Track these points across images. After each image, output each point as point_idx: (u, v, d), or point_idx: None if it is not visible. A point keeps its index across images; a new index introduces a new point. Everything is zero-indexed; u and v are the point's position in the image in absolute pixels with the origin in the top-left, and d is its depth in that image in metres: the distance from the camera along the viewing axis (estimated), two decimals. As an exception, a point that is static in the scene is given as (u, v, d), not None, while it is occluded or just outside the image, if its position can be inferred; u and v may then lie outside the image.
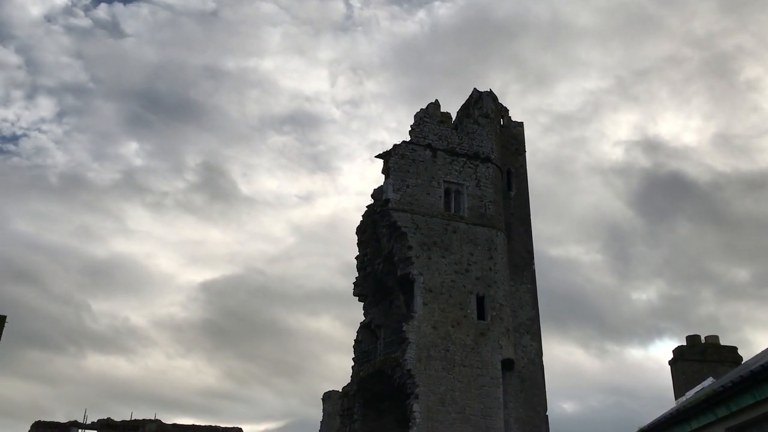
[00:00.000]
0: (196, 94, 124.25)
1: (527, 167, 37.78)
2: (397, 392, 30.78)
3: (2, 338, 22.14)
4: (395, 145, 33.99)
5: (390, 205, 32.64)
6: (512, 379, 32.01)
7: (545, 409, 32.52)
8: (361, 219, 36.63)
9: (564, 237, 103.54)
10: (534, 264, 35.47)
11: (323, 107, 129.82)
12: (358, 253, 36.42)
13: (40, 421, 37.79)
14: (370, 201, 35.92)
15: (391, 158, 33.68)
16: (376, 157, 34.53)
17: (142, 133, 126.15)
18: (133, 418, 38.57)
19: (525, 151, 38.20)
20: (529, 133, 79.69)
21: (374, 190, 36.35)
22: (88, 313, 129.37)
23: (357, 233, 36.78)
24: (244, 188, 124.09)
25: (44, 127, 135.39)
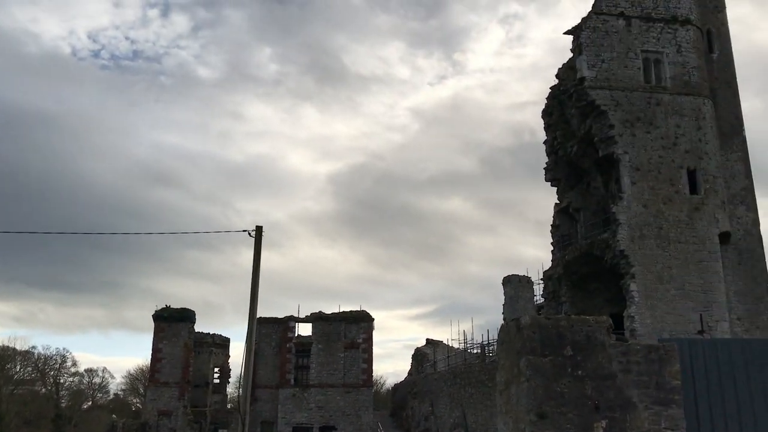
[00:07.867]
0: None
1: (729, 25, 34.31)
2: (607, 273, 30.56)
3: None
4: (584, 18, 31.86)
5: (586, 83, 31.05)
6: (729, 252, 30.71)
7: (766, 280, 31.18)
8: (545, 102, 35.34)
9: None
10: (744, 130, 32.93)
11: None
12: (546, 138, 35.47)
13: (260, 317, 41.50)
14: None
15: (581, 33, 31.68)
16: (564, 33, 32.59)
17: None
18: (341, 310, 41.68)
19: (725, 8, 34.59)
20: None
21: (558, 69, 34.67)
22: (233, 211, 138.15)
23: (543, 117, 35.64)
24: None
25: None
